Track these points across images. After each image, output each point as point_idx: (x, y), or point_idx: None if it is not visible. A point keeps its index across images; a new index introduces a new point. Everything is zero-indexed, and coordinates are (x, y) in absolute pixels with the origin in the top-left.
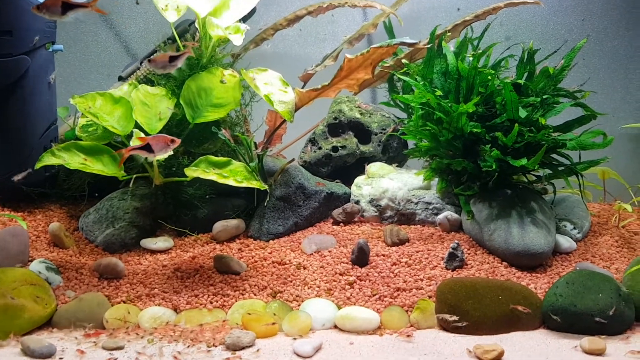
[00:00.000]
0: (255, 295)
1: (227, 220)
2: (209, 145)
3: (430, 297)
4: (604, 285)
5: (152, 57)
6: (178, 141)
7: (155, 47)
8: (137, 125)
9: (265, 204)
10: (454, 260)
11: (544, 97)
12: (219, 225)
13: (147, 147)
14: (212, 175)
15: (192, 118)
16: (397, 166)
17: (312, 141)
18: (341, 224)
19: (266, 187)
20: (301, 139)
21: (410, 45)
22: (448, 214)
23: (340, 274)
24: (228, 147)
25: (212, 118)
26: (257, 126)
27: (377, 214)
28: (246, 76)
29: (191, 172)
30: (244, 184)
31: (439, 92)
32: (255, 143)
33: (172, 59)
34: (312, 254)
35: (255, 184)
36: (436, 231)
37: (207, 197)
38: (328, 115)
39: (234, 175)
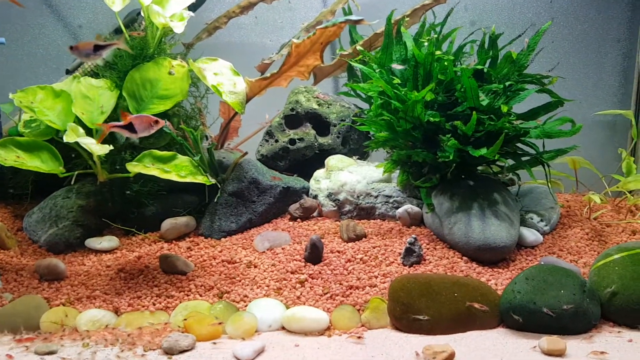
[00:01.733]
0: (201, 296)
1: (176, 218)
2: (156, 140)
3: (384, 295)
4: (567, 280)
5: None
6: (162, 122)
7: (102, 38)
8: (78, 120)
9: (217, 200)
10: (411, 255)
11: (507, 83)
12: (167, 223)
13: (130, 127)
14: (153, 170)
15: (136, 111)
16: (358, 159)
17: (269, 134)
18: (298, 220)
19: (213, 181)
20: (261, 132)
21: (356, 22)
22: (408, 207)
23: (292, 272)
24: (179, 142)
25: (158, 110)
26: (214, 119)
27: (335, 208)
28: (194, 66)
29: (132, 168)
30: (188, 179)
31: (397, 80)
32: (207, 136)
33: (97, 47)
34: (264, 252)
35: (200, 178)
36: (396, 225)
37: (157, 193)
38: (285, 106)
39: (178, 170)
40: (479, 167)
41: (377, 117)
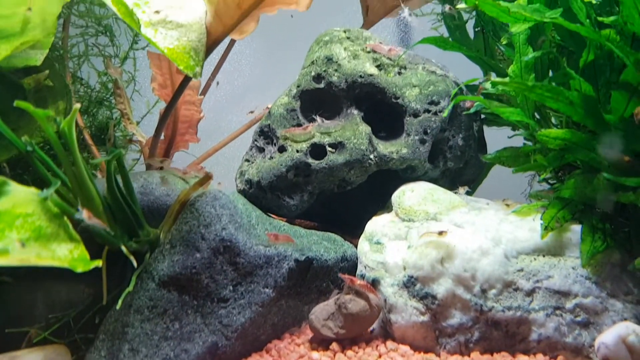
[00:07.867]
0: None
1: (15, 354)
2: None
3: None
4: None
5: None
6: None
7: None
8: None
9: (124, 299)
10: None
11: None
12: None
13: None
14: None
15: None
16: (466, 192)
17: (264, 134)
18: (334, 346)
19: (95, 263)
20: (249, 132)
21: None
22: (625, 329)
23: None
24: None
25: None
26: (149, 106)
27: (426, 318)
28: None
29: None
30: (15, 259)
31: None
32: (112, 138)
33: None
34: None
35: (62, 255)
36: None
37: None
38: (303, 71)
39: None
40: None
41: (540, 88)
